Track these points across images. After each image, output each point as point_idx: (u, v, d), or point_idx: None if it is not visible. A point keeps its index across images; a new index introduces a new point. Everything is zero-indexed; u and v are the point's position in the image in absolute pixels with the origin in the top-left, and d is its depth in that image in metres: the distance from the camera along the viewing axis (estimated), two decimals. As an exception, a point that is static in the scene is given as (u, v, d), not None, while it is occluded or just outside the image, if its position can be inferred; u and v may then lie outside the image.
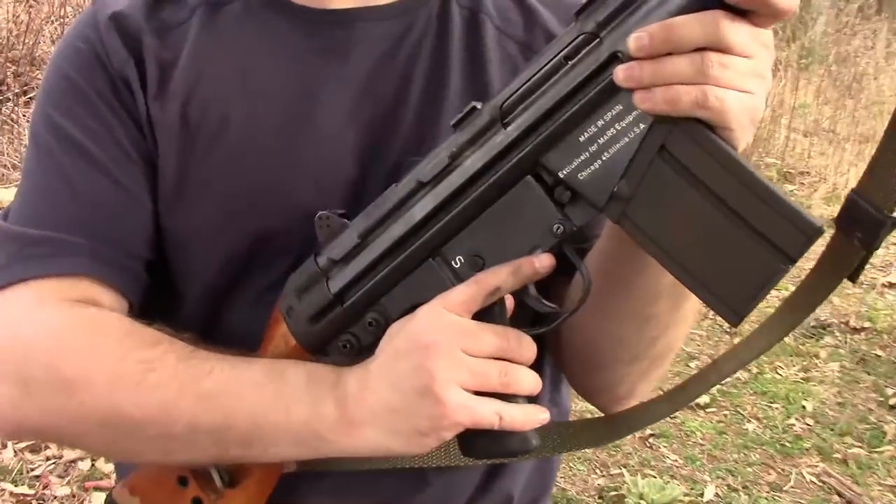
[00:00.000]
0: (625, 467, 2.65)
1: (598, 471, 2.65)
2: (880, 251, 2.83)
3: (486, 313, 0.68)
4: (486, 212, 0.67)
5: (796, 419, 3.02)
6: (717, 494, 2.56)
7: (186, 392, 0.69)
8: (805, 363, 3.46)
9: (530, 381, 0.69)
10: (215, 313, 0.81)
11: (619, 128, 0.61)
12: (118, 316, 0.75)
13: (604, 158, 0.62)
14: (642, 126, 0.61)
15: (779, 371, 3.37)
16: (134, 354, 0.71)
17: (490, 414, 0.66)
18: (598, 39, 0.61)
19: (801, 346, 3.57)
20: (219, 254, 0.79)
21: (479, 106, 0.67)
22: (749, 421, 2.99)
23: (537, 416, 0.69)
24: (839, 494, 2.60)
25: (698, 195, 0.60)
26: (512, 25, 0.83)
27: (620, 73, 0.59)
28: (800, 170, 6.08)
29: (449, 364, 0.65)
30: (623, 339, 0.77)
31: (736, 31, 0.56)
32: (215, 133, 0.79)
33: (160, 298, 0.82)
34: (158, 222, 0.80)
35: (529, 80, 0.64)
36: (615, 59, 0.60)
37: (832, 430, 2.96)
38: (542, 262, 0.66)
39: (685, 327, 0.78)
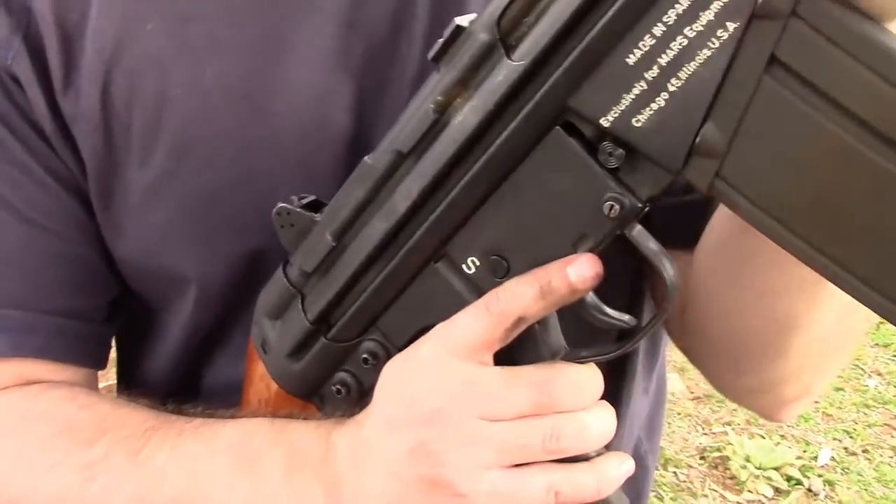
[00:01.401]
0: (729, 425, 2.45)
1: (699, 428, 2.46)
2: None
3: (521, 337, 0.48)
4: (499, 189, 0.45)
5: (924, 375, 2.75)
6: (832, 458, 2.33)
7: None
8: (933, 312, 3.16)
9: (596, 432, 0.47)
10: (204, 356, 0.65)
11: (691, 34, 0.38)
12: (59, 398, 0.60)
13: (671, 89, 0.39)
14: (732, 26, 0.37)
15: (903, 320, 3.09)
16: (73, 458, 0.57)
17: (539, 494, 0.46)
18: None
19: (928, 293, 3.27)
20: (187, 284, 0.61)
21: (465, 24, 0.44)
22: (870, 376, 2.72)
23: (618, 472, 0.48)
24: (974, 462, 2.35)
25: (844, 130, 0.37)
26: None
27: None
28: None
29: (463, 442, 0.46)
30: (791, 320, 0.54)
31: None
32: (153, 117, 0.57)
33: (146, 328, 0.66)
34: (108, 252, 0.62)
35: None
36: None
37: (966, 388, 2.68)
38: (582, 271, 0.44)
39: None
